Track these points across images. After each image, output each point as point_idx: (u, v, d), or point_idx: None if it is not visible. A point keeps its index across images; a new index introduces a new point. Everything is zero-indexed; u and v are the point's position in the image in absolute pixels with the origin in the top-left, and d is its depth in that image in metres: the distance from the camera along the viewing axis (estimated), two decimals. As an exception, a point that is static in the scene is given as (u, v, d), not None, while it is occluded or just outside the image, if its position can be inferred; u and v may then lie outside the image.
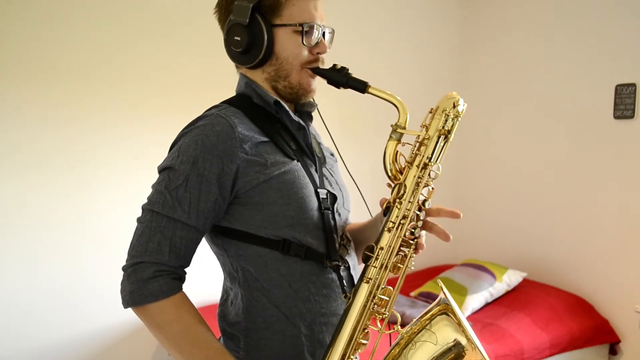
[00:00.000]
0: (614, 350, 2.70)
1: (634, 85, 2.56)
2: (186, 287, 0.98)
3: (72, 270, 2.29)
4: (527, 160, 3.09)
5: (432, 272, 3.11)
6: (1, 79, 2.11)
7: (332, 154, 1.21)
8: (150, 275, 0.92)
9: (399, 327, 0.98)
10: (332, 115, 1.22)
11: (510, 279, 2.77)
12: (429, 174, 0.98)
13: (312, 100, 1.11)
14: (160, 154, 1.03)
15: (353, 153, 2.95)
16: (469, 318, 2.58)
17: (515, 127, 3.16)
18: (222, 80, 2.51)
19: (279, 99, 1.05)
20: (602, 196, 2.72)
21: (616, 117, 2.64)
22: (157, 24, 2.43)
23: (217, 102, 1.09)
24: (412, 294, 2.86)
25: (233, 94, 1.11)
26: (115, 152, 2.37)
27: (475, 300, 2.64)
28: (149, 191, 0.99)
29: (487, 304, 2.70)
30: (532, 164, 3.06)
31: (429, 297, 2.76)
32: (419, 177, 0.98)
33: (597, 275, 2.75)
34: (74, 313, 2.31)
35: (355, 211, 1.20)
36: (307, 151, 1.08)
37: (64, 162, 2.26)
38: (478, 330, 2.43)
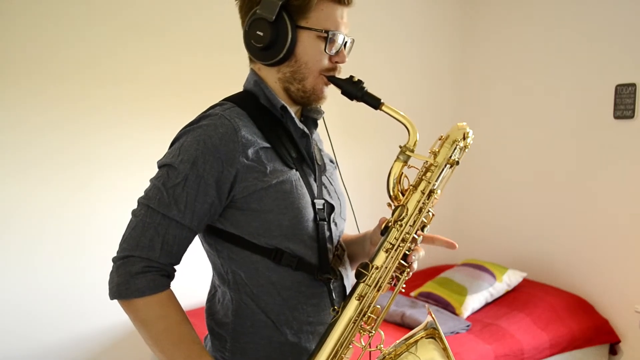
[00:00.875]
0: (614, 350, 2.70)
1: (634, 85, 2.56)
2: (180, 289, 0.98)
3: (72, 270, 2.29)
4: (528, 161, 3.09)
5: (432, 272, 3.11)
6: (1, 79, 2.11)
7: (331, 160, 1.20)
8: (139, 270, 0.91)
9: (382, 346, 0.98)
10: (333, 117, 1.22)
11: (510, 279, 2.77)
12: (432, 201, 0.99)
13: (319, 107, 1.10)
14: (161, 153, 1.03)
15: (353, 158, 2.97)
16: (468, 318, 2.58)
17: (515, 127, 3.16)
18: (223, 79, 2.52)
19: (286, 104, 1.03)
20: (602, 196, 2.72)
21: (616, 117, 2.64)
22: (156, 23, 2.43)
23: (217, 101, 1.08)
24: (412, 294, 2.86)
25: (233, 93, 1.10)
26: (116, 152, 2.37)
27: (475, 300, 2.64)
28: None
29: (487, 304, 2.70)
30: (533, 164, 3.06)
31: (429, 297, 2.76)
32: (422, 203, 0.98)
33: (597, 275, 2.75)
34: (74, 313, 2.31)
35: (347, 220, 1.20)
36: (307, 159, 1.06)
37: (64, 162, 2.26)
38: (478, 330, 2.43)
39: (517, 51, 3.13)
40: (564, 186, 2.90)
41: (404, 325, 2.42)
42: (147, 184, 0.98)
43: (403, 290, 1.03)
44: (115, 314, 2.36)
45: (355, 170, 2.92)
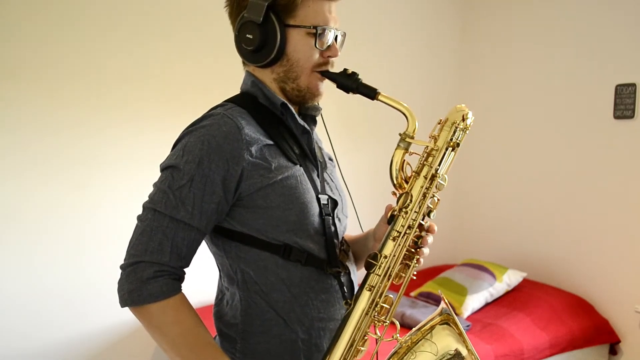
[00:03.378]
0: (614, 350, 2.70)
1: (634, 85, 2.56)
2: (184, 288, 0.98)
3: (72, 270, 2.29)
4: (527, 161, 3.09)
5: (432, 272, 3.11)
6: (2, 80, 2.12)
7: (330, 159, 1.20)
8: (151, 275, 0.91)
9: (398, 335, 0.98)
10: (330, 116, 1.22)
11: (510, 279, 2.77)
12: (436, 186, 0.99)
13: (317, 104, 1.10)
14: (160, 154, 1.02)
15: (350, 155, 2.97)
16: (468, 318, 2.58)
17: (515, 127, 3.16)
18: (222, 81, 2.52)
19: (286, 101, 1.04)
20: (602, 196, 2.72)
21: (616, 117, 2.64)
22: (157, 26, 2.43)
23: (217, 104, 1.08)
24: (412, 294, 2.86)
25: (233, 94, 1.10)
26: (115, 153, 2.37)
27: (475, 300, 2.64)
28: (149, 192, 0.98)
29: (487, 304, 2.70)
30: (532, 164, 3.06)
31: (429, 297, 2.76)
32: (426, 188, 0.98)
33: (597, 275, 2.74)
34: (74, 313, 2.31)
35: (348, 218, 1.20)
36: (309, 156, 1.07)
37: (64, 162, 2.26)
38: (478, 330, 2.43)
39: (517, 51, 3.13)
40: (564, 186, 2.90)
41: (404, 325, 2.42)
42: (147, 184, 0.98)
43: (414, 278, 1.03)
44: (115, 313, 2.37)
45: (355, 167, 2.92)
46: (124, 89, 2.37)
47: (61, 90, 2.23)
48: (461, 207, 3.44)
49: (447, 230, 3.43)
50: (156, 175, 0.99)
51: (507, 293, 2.77)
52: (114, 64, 2.34)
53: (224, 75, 2.51)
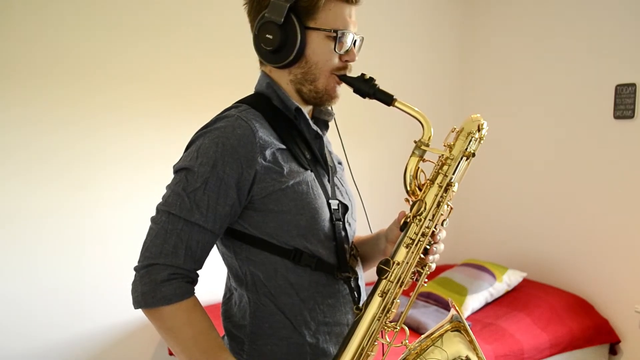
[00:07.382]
0: (614, 350, 2.70)
1: (634, 85, 2.56)
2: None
3: (72, 270, 2.29)
4: (527, 160, 3.09)
5: (432, 272, 3.09)
6: (2, 80, 2.12)
7: (340, 162, 1.20)
8: (165, 278, 0.91)
9: (407, 341, 0.98)
10: (340, 117, 1.21)
11: (510, 279, 2.77)
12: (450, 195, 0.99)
13: (330, 108, 1.10)
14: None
15: (362, 157, 2.97)
16: (468, 318, 2.58)
17: (515, 127, 3.16)
18: (223, 81, 2.53)
19: (300, 106, 1.04)
20: (602, 196, 2.72)
21: (616, 117, 2.64)
22: (158, 24, 2.43)
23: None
24: (412, 294, 2.85)
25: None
26: (116, 153, 2.36)
27: (475, 300, 2.64)
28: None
29: (487, 304, 2.70)
30: (532, 164, 3.06)
31: (429, 297, 2.76)
32: (440, 197, 0.99)
33: (597, 275, 2.75)
34: (74, 313, 2.31)
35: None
36: (320, 161, 1.07)
37: (64, 162, 2.26)
38: (478, 330, 2.43)
39: (517, 51, 3.13)
40: (563, 186, 2.90)
41: (408, 327, 2.42)
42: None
43: (425, 285, 1.03)
44: (115, 314, 2.36)
45: (365, 170, 2.91)
46: (124, 88, 2.37)
47: (61, 90, 2.23)
48: (461, 207, 3.43)
49: (447, 230, 3.42)
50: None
51: (507, 293, 2.77)
52: (114, 63, 2.34)
53: (225, 74, 2.52)
